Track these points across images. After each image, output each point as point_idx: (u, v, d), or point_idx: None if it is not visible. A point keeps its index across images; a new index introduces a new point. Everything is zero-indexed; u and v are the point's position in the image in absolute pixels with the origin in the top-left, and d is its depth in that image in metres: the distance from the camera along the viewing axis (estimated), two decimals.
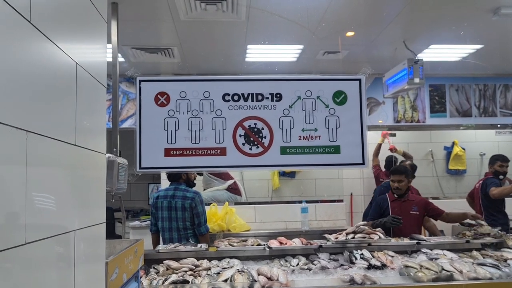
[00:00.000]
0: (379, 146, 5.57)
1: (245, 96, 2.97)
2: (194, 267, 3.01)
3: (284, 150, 2.95)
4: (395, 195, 4.27)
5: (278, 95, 2.99)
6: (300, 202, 4.99)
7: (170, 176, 4.00)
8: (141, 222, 5.16)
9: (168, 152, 2.88)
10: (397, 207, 4.20)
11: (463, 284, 2.75)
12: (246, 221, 4.92)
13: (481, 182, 4.95)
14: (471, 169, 6.50)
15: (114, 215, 5.75)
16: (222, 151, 2.91)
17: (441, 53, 4.76)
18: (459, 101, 5.43)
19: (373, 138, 5.76)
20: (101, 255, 1.67)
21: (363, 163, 3.01)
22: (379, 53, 4.74)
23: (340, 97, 3.03)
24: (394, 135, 5.65)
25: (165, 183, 4.76)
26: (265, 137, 2.94)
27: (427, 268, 2.91)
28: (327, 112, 3.01)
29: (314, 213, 5.12)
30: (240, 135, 2.93)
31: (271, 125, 2.96)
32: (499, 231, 3.79)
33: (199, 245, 3.52)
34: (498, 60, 4.96)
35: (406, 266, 2.97)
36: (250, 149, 2.93)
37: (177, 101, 2.92)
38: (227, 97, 2.96)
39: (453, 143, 6.55)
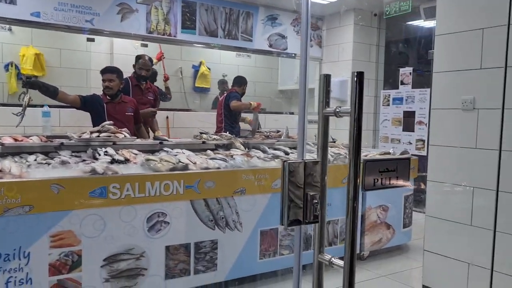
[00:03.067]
0: None
1: None
2: None
3: None
4: (107, 97, 4.26)
5: None
6: (42, 106, 4.62)
7: None
8: None
9: None
10: (112, 108, 4.25)
11: (196, 172, 3.12)
12: None
13: (225, 95, 5.54)
14: (214, 88, 7.15)
15: None
16: None
17: None
18: (208, 20, 5.80)
19: (125, 47, 5.67)
20: None
21: None
22: None
23: None
24: (146, 45, 5.69)
25: None
26: None
27: (166, 161, 3.16)
28: None
29: (57, 119, 4.83)
30: None
31: None
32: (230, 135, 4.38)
33: None
34: None
35: (147, 159, 3.16)
36: None
37: None
38: None
39: (200, 63, 7.03)
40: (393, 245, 4.33)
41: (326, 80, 1.20)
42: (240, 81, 5.63)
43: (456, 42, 3.04)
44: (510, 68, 2.67)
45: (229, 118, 5.48)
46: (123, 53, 5.82)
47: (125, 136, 3.58)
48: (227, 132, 4.70)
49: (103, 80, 4.24)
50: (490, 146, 2.85)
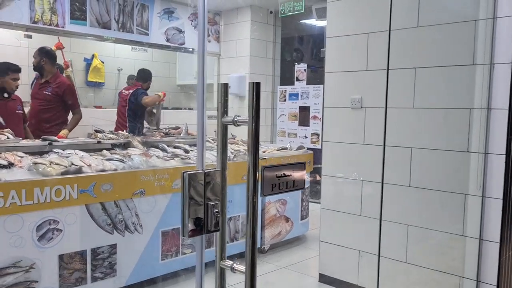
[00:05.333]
0: None
1: None
2: None
3: None
4: None
5: None
6: None
7: None
8: None
9: None
10: (2, 106, 3.99)
11: (92, 175, 2.96)
12: None
13: (130, 92, 5.22)
14: (109, 83, 6.82)
15: None
16: None
17: None
18: (100, 12, 5.49)
19: (4, 37, 5.17)
20: None
21: None
22: None
23: None
24: (30, 37, 5.23)
25: None
26: None
27: (57, 164, 2.95)
28: None
29: None
30: None
31: None
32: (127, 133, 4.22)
33: None
34: None
35: (35, 163, 2.93)
36: None
37: None
38: None
39: (93, 56, 6.65)
40: (292, 236, 4.52)
41: (224, 89, 1.20)
42: (146, 76, 5.38)
43: (345, 44, 3.24)
44: (391, 71, 2.91)
45: (136, 116, 5.22)
46: (4, 44, 5.30)
47: (8, 138, 3.27)
48: (136, 131, 4.54)
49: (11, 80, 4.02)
50: (375, 142, 3.10)
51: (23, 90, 4.45)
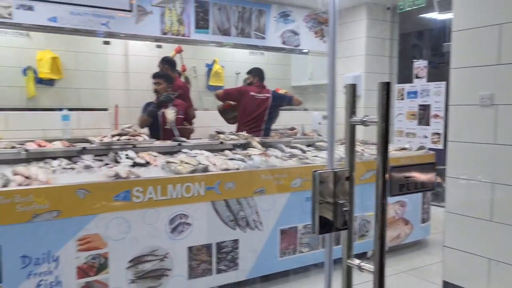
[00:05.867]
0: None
1: None
2: None
3: None
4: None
5: None
6: (61, 109, 4.69)
7: None
8: None
9: None
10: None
11: (217, 174, 3.16)
12: None
13: (267, 95, 5.19)
14: (228, 86, 7.17)
15: None
16: None
17: None
18: (221, 20, 5.83)
19: (140, 48, 5.73)
20: None
21: None
22: None
23: None
24: (160, 46, 5.74)
25: None
26: None
27: (186, 163, 3.20)
28: None
29: (77, 122, 4.91)
30: None
31: None
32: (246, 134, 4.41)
33: None
34: None
35: (168, 162, 3.21)
36: None
37: None
38: None
39: (214, 61, 7.06)
40: (411, 240, 4.34)
41: (352, 90, 1.22)
42: (263, 76, 5.35)
43: (474, 37, 3.03)
44: None
45: (273, 117, 5.27)
46: (138, 55, 5.88)
47: (144, 139, 3.63)
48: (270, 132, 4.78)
49: (153, 84, 4.53)
50: (509, 141, 2.85)
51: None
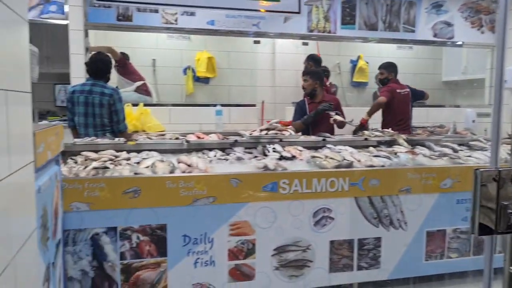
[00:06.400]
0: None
1: None
2: (113, 157, 3.06)
3: None
4: (308, 97, 4.61)
5: None
6: (214, 105, 5.11)
7: (92, 70, 3.84)
8: (50, 121, 4.98)
9: None
10: (314, 108, 4.52)
11: (361, 170, 3.15)
12: (160, 123, 4.96)
13: (407, 90, 5.10)
14: (372, 82, 7.03)
15: None
16: None
17: None
18: (368, 14, 5.72)
19: (287, 46, 5.93)
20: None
21: None
22: None
23: None
24: (306, 44, 5.86)
25: (75, 82, 4.56)
26: None
27: (331, 158, 3.25)
28: None
29: (228, 116, 5.30)
30: None
31: None
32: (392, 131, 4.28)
33: (116, 139, 3.54)
34: None
35: (313, 157, 3.30)
36: None
37: None
38: None
39: (359, 57, 6.97)
40: None
41: None
42: (397, 70, 5.21)
43: None
44: None
45: (411, 116, 5.18)
46: (284, 52, 6.09)
47: (290, 134, 3.77)
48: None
49: (302, 81, 4.68)
50: None
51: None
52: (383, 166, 3.25)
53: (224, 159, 3.23)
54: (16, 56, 1.46)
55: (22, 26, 1.52)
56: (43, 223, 1.91)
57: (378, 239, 3.22)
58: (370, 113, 4.83)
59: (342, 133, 4.58)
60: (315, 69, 4.91)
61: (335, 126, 4.54)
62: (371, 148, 3.83)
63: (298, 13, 3.64)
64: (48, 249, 2.04)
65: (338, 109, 4.58)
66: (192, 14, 4.96)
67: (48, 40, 5.25)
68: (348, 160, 3.23)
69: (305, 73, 4.70)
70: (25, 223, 1.54)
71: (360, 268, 3.20)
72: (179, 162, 2.97)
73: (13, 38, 1.43)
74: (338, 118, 4.37)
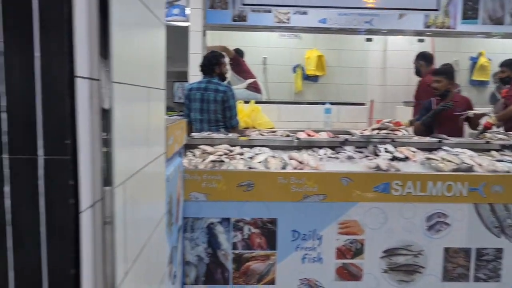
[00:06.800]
0: None
1: None
2: (228, 152, 3.22)
3: None
4: (437, 98, 4.40)
5: None
6: (323, 104, 5.12)
7: (204, 70, 4.10)
8: (169, 117, 5.37)
9: None
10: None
11: (482, 175, 2.94)
12: (270, 120, 5.10)
13: None
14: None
15: None
16: None
17: None
18: (493, 7, 5.28)
19: (400, 43, 5.72)
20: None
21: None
22: None
23: None
24: (422, 41, 5.59)
25: (193, 80, 4.87)
26: None
27: (448, 161, 3.08)
28: None
29: (337, 115, 5.27)
30: None
31: None
32: None
33: (230, 134, 3.72)
34: None
35: (428, 158, 3.15)
36: None
37: None
38: None
39: (480, 54, 6.47)
40: None
41: None
42: None
43: None
44: None
45: None
46: (396, 50, 5.89)
47: (403, 134, 3.65)
48: None
49: (433, 81, 4.43)
50: None
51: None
52: (508, 172, 3.00)
53: (335, 158, 3.23)
54: (156, 56, 1.62)
55: (161, 28, 1.68)
56: (169, 209, 2.10)
57: (499, 250, 2.98)
58: (501, 118, 4.44)
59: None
60: (448, 68, 4.60)
61: (465, 127, 4.26)
62: (493, 152, 3.55)
63: (437, 10, 3.52)
64: (172, 233, 2.23)
65: (469, 109, 4.30)
66: (304, 13, 5.01)
67: (170, 41, 5.66)
68: (467, 164, 3.04)
69: (438, 72, 4.42)
70: (158, 208, 1.71)
71: (477, 279, 3.00)
72: (290, 159, 3.03)
73: (154, 39, 1.59)
74: (471, 113, 4.08)
